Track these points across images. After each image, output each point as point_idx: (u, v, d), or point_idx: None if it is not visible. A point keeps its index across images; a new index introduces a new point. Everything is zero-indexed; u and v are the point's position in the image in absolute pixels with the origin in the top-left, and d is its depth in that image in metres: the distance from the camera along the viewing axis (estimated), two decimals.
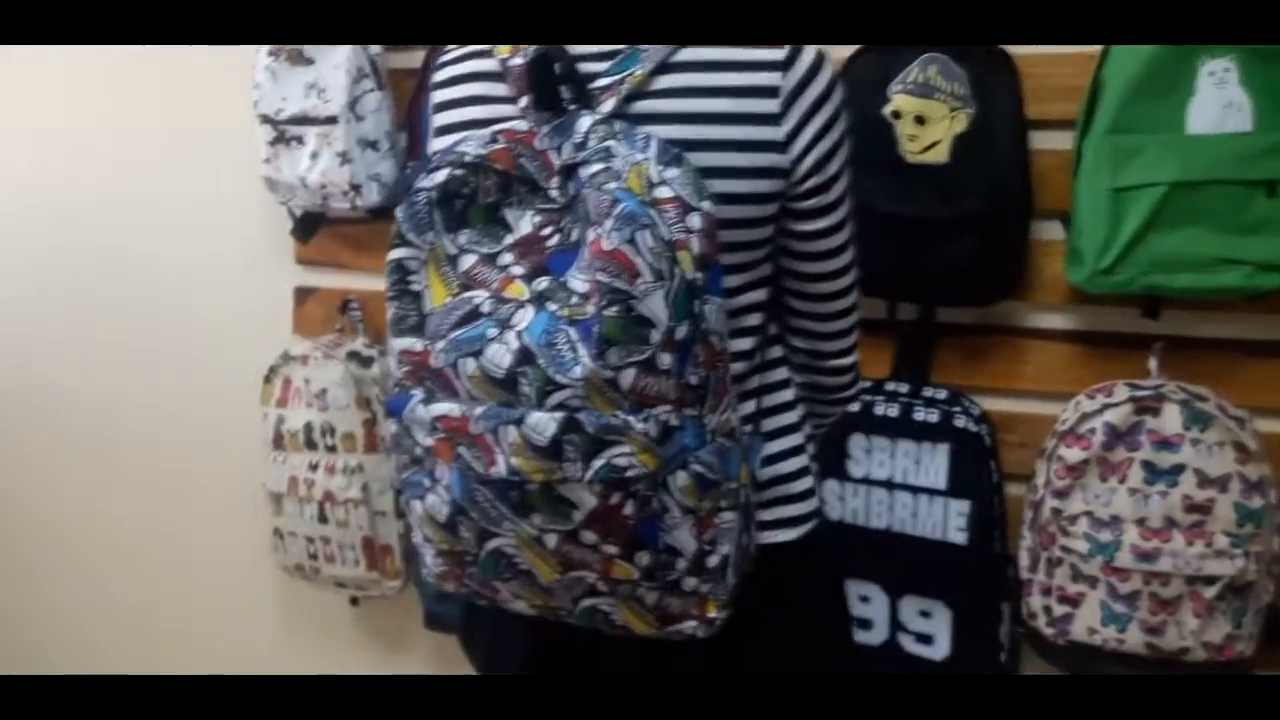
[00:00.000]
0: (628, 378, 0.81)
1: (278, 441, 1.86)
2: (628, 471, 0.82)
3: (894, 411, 1.56)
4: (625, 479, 0.82)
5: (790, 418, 1.04)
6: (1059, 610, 1.48)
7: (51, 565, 2.32)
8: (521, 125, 0.90)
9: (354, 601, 2.00)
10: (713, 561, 0.88)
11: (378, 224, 1.88)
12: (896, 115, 1.46)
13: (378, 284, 1.93)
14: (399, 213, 0.90)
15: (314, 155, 1.75)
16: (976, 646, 1.58)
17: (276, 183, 1.80)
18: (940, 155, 1.45)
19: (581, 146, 0.87)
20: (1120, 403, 1.42)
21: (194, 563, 2.19)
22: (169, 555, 2.21)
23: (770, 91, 0.90)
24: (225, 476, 2.11)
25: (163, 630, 2.24)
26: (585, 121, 0.88)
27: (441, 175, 0.89)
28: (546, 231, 0.88)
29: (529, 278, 0.87)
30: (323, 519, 1.84)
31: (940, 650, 1.58)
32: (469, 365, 0.85)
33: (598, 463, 0.82)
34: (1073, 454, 1.45)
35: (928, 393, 1.57)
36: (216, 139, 2.01)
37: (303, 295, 1.99)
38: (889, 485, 1.57)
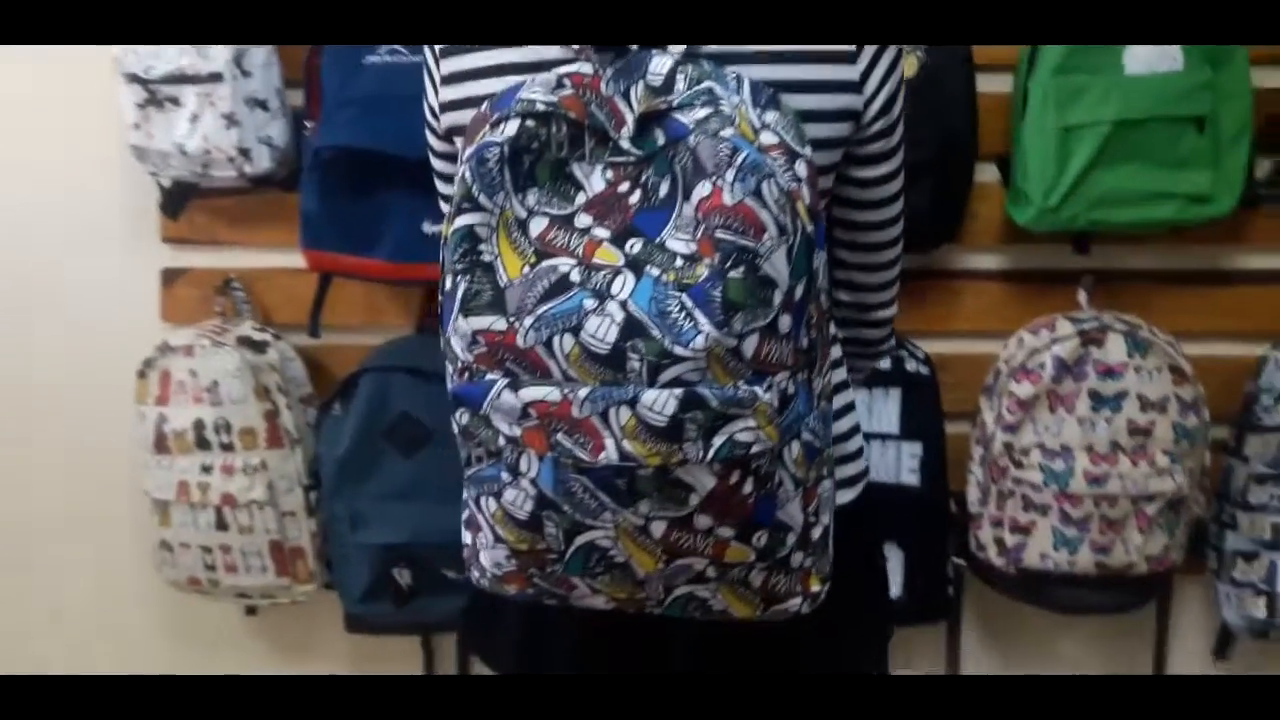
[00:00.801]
0: (751, 345, 0.74)
1: (160, 444, 1.65)
2: (752, 447, 0.75)
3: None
4: (748, 455, 0.75)
5: (841, 374, 1.00)
6: (1011, 540, 1.53)
7: None
8: (586, 68, 0.80)
9: (251, 611, 1.81)
10: (816, 534, 0.83)
11: (258, 194, 1.70)
12: None
13: (260, 260, 1.75)
14: (466, 172, 0.78)
15: (194, 118, 1.55)
16: (927, 584, 1.62)
17: (147, 151, 1.59)
18: None
19: (666, 89, 0.78)
20: (1067, 336, 1.48)
21: (64, 582, 1.91)
22: (39, 574, 1.92)
23: None
24: (89, 486, 1.86)
25: (32, 657, 1.93)
26: (662, 61, 0.79)
27: (512, 127, 0.77)
28: (624, 188, 0.79)
29: (617, 240, 0.77)
30: (221, 525, 1.65)
31: (893, 591, 1.61)
32: (566, 342, 0.75)
33: (718, 440, 0.74)
34: (1024, 389, 1.49)
35: None
36: (68, 104, 1.74)
37: (171, 277, 1.78)
38: None
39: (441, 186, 1.03)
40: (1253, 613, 1.52)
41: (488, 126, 0.78)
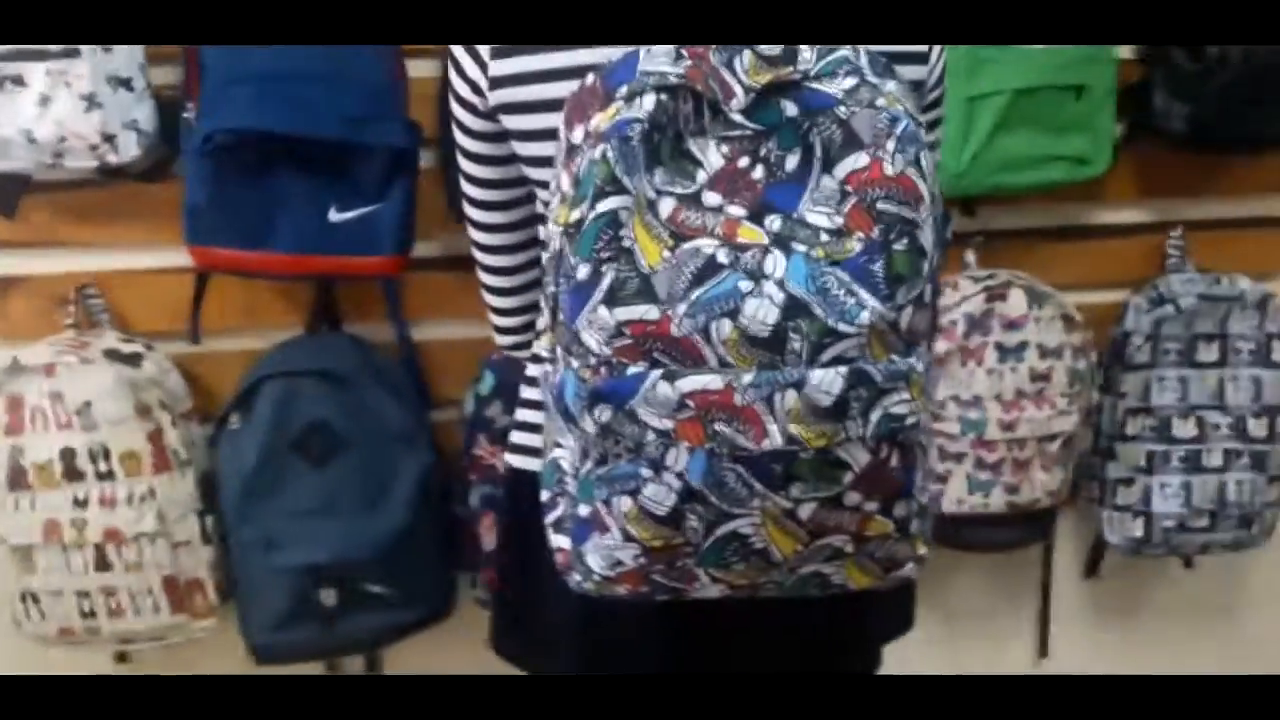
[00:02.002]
0: (907, 317, 0.74)
1: (16, 481, 1.43)
2: (907, 419, 0.75)
3: None
4: (902, 428, 0.75)
5: None
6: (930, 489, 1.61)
7: None
8: None
9: (121, 658, 1.61)
10: (926, 497, 0.85)
11: (108, 187, 1.49)
12: None
13: (116, 262, 1.55)
14: (606, 153, 0.72)
15: (44, 100, 1.34)
16: None
17: None
18: None
19: (788, 60, 0.75)
20: (974, 294, 1.57)
21: None
22: None
23: None
24: None
25: None
26: None
27: (649, 102, 0.73)
28: (744, 162, 0.76)
29: (754, 217, 0.75)
30: (103, 565, 1.45)
31: None
32: (724, 327, 0.72)
33: (875, 415, 0.74)
34: (939, 346, 1.57)
35: None
36: None
37: (2, 288, 1.53)
38: None
39: (475, 169, 0.94)
40: (1132, 533, 1.68)
41: (620, 102, 0.73)
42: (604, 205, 0.72)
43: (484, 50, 0.85)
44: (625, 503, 0.76)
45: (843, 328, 0.72)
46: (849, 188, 0.74)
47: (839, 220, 0.74)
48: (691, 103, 0.75)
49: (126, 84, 1.38)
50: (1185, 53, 1.55)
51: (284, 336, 1.56)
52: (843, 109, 0.74)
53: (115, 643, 1.51)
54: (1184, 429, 1.65)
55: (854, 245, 0.73)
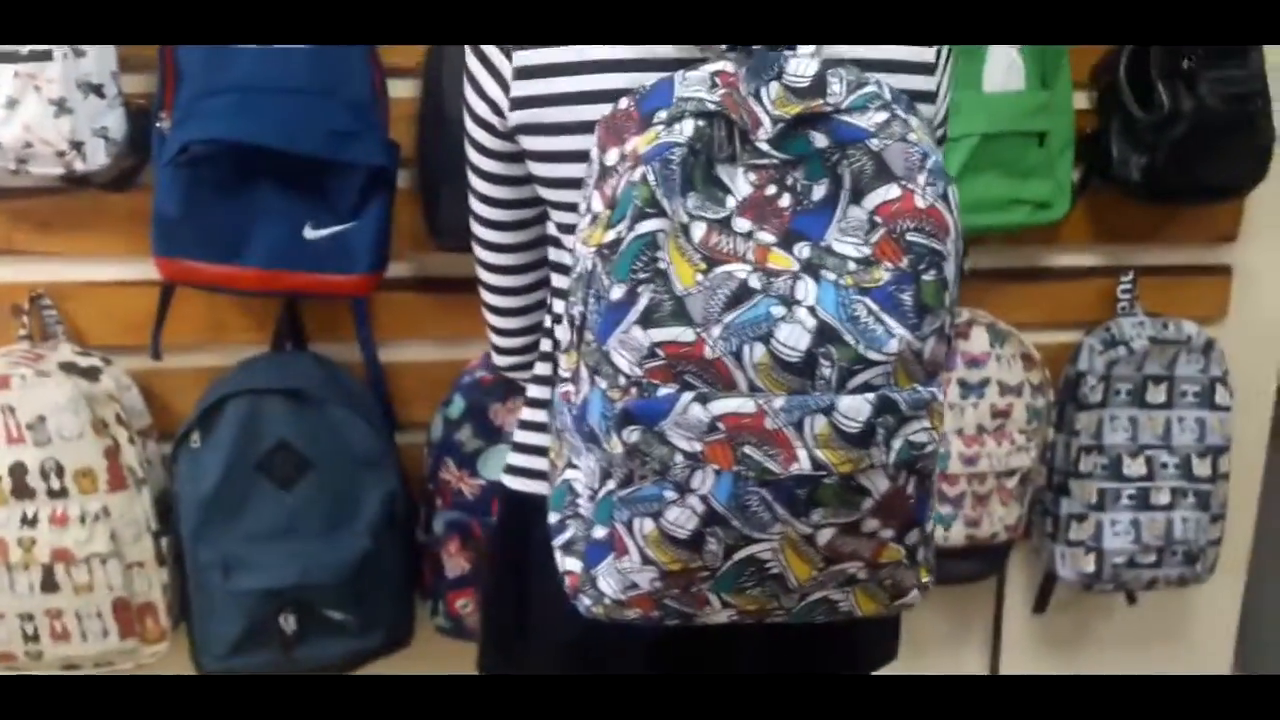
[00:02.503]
0: (930, 346, 0.76)
1: None
2: (926, 447, 0.76)
3: None
4: (922, 455, 0.77)
5: None
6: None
7: None
8: (729, 67, 0.77)
9: None
10: (929, 527, 0.86)
11: (69, 195, 1.45)
12: None
13: (73, 272, 1.50)
14: (646, 175, 0.72)
15: (11, 103, 1.29)
16: None
17: None
18: None
19: (817, 92, 0.77)
20: None
21: None
22: None
23: None
24: None
25: None
26: (806, 63, 0.77)
27: (689, 127, 0.74)
28: (771, 190, 0.77)
29: (784, 244, 0.76)
30: (50, 587, 1.39)
31: None
32: (756, 351, 0.73)
33: (897, 443, 0.75)
34: None
35: None
36: None
37: None
38: None
39: (488, 188, 0.94)
40: (1084, 568, 1.72)
41: (660, 126, 0.73)
42: (643, 227, 0.72)
43: (506, 71, 0.85)
44: (647, 525, 0.76)
45: (872, 355, 0.74)
46: (879, 218, 0.75)
47: (866, 250, 0.75)
48: (725, 130, 0.76)
49: (98, 90, 1.35)
50: (1139, 104, 1.61)
51: (247, 354, 1.53)
52: (875, 141, 0.76)
53: (58, 668, 1.45)
54: (1134, 467, 1.70)
55: (882, 275, 0.75)
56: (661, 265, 0.73)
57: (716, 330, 0.73)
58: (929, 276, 0.75)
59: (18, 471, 1.37)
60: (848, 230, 0.76)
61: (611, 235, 0.73)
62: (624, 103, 0.77)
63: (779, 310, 0.73)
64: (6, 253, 1.47)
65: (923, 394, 0.76)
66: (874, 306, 0.74)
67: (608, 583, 0.79)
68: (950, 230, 0.76)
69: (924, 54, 0.88)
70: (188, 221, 1.34)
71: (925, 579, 0.86)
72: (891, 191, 0.75)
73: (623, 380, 0.74)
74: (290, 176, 1.36)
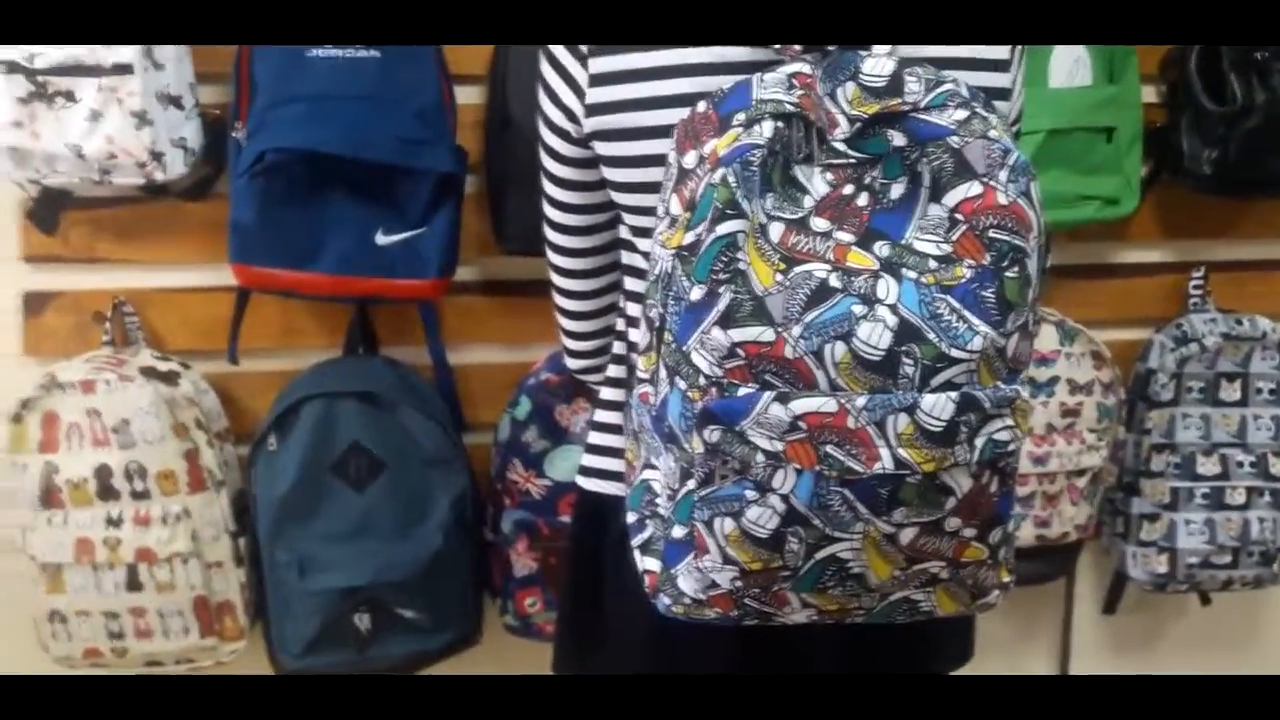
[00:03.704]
0: (1013, 344, 0.76)
1: (49, 498, 1.41)
2: (1010, 445, 0.76)
3: None
4: (1005, 454, 0.76)
5: None
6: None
7: None
8: (806, 68, 0.78)
9: None
10: (1013, 525, 0.86)
11: (149, 204, 1.49)
12: None
13: (152, 279, 1.54)
14: (727, 176, 0.73)
15: (95, 115, 1.33)
16: None
17: (29, 154, 1.34)
18: None
19: (894, 91, 0.77)
20: None
21: None
22: None
23: None
24: None
25: None
26: (882, 63, 0.77)
27: (768, 129, 0.75)
28: (848, 190, 0.78)
29: (863, 244, 0.76)
30: (134, 586, 1.43)
31: None
32: (837, 350, 0.73)
33: (980, 441, 0.75)
34: None
35: None
36: None
37: (37, 304, 1.51)
38: None
39: (562, 194, 0.95)
40: (1156, 569, 1.70)
41: (739, 128, 0.74)
42: (723, 228, 0.73)
43: (582, 78, 0.86)
44: (728, 524, 0.76)
45: (955, 353, 0.74)
46: (959, 216, 0.75)
47: (947, 248, 0.75)
48: (803, 131, 0.77)
49: (176, 102, 1.39)
50: (1210, 97, 1.59)
51: (320, 358, 1.56)
52: (956, 139, 0.76)
53: (142, 665, 1.49)
54: (1207, 466, 1.67)
55: (964, 272, 0.75)
56: (741, 266, 0.73)
57: (797, 329, 0.73)
58: (1012, 273, 0.75)
59: (103, 473, 1.41)
60: (928, 228, 0.76)
61: (691, 237, 0.74)
62: (702, 106, 0.78)
63: (860, 309, 0.73)
64: (90, 261, 1.51)
65: (1006, 391, 0.75)
66: (956, 304, 0.74)
67: (687, 582, 0.80)
68: (1033, 226, 0.76)
69: (998, 50, 0.88)
70: (263, 229, 1.38)
71: (1006, 579, 0.86)
72: (973, 189, 0.75)
73: (702, 380, 0.74)
74: (361, 184, 1.39)
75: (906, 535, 0.77)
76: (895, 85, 0.77)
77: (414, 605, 1.49)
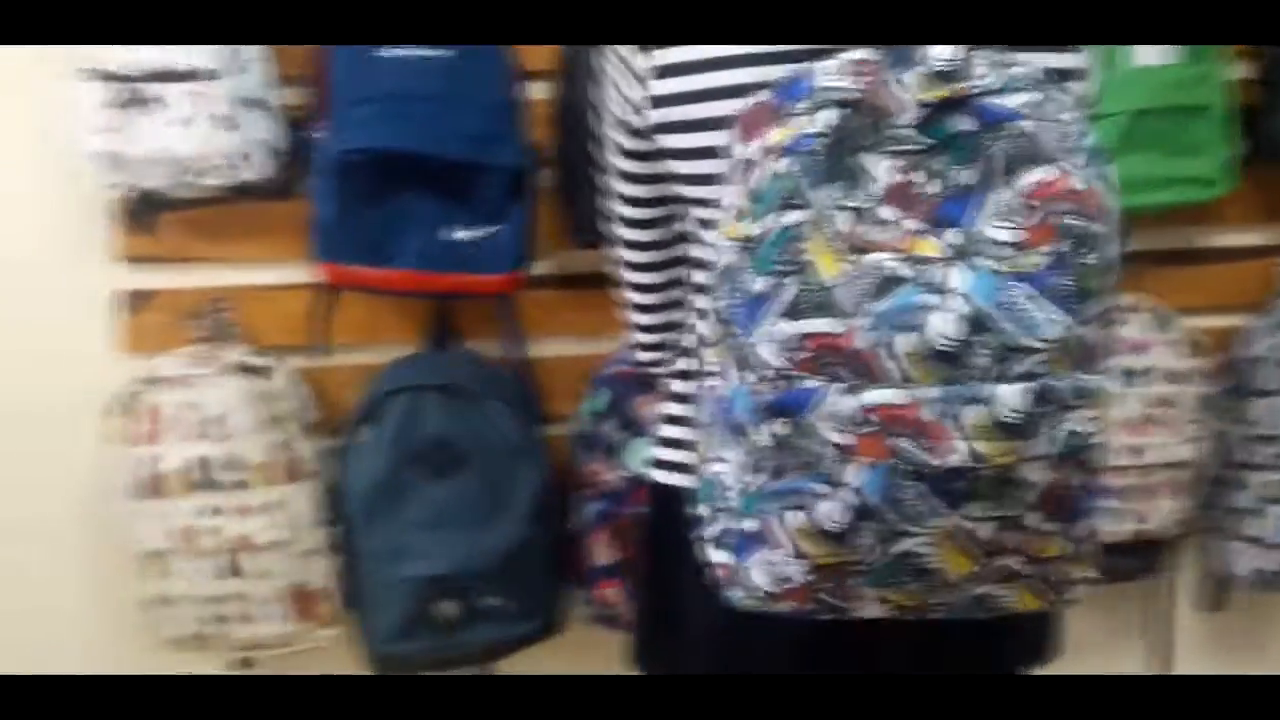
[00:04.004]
0: (1093, 332, 0.74)
1: (151, 487, 1.47)
2: (1091, 437, 0.74)
3: None
4: (1087, 446, 0.74)
5: None
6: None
7: None
8: (869, 54, 0.76)
9: (246, 664, 1.65)
10: (1094, 520, 0.83)
11: (238, 204, 1.54)
12: None
13: (240, 278, 1.59)
14: (793, 166, 0.73)
15: (186, 121, 1.39)
16: None
17: (123, 158, 1.40)
18: None
19: (959, 76, 0.75)
20: None
21: (13, 646, 1.67)
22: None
23: None
24: (40, 540, 1.63)
25: None
26: (947, 48, 0.76)
27: (830, 116, 0.74)
28: (916, 177, 0.76)
29: (931, 231, 0.75)
30: (235, 572, 1.49)
31: None
32: (907, 340, 0.72)
33: (1060, 433, 0.73)
34: None
35: None
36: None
37: (137, 302, 1.58)
38: None
39: (627, 188, 0.96)
40: (1263, 565, 1.63)
41: (802, 116, 0.73)
42: (786, 218, 0.73)
43: (644, 71, 0.86)
44: (798, 518, 0.76)
45: (1029, 342, 0.72)
46: (1034, 201, 0.73)
47: (1022, 234, 0.73)
48: (868, 118, 0.76)
49: (260, 104, 1.43)
50: None
51: (403, 352, 1.59)
52: (1028, 123, 0.74)
53: (241, 649, 1.55)
54: None
55: (1038, 259, 0.72)
56: (806, 256, 0.73)
57: (864, 321, 0.72)
58: (1089, 260, 0.72)
59: (204, 465, 1.46)
60: (1000, 214, 0.74)
61: (755, 228, 0.74)
62: (764, 95, 0.77)
63: (930, 298, 0.72)
64: (184, 260, 1.57)
65: (1087, 382, 0.73)
66: (1031, 291, 0.72)
67: (760, 575, 0.79)
68: (1109, 210, 0.74)
69: None
70: (343, 227, 1.42)
71: (1090, 572, 0.84)
72: (1046, 173, 0.73)
73: (769, 373, 0.74)
74: (436, 181, 1.42)
75: (984, 530, 0.75)
76: (964, 68, 0.76)
77: (497, 593, 1.51)
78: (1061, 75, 0.84)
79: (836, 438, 0.73)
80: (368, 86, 1.40)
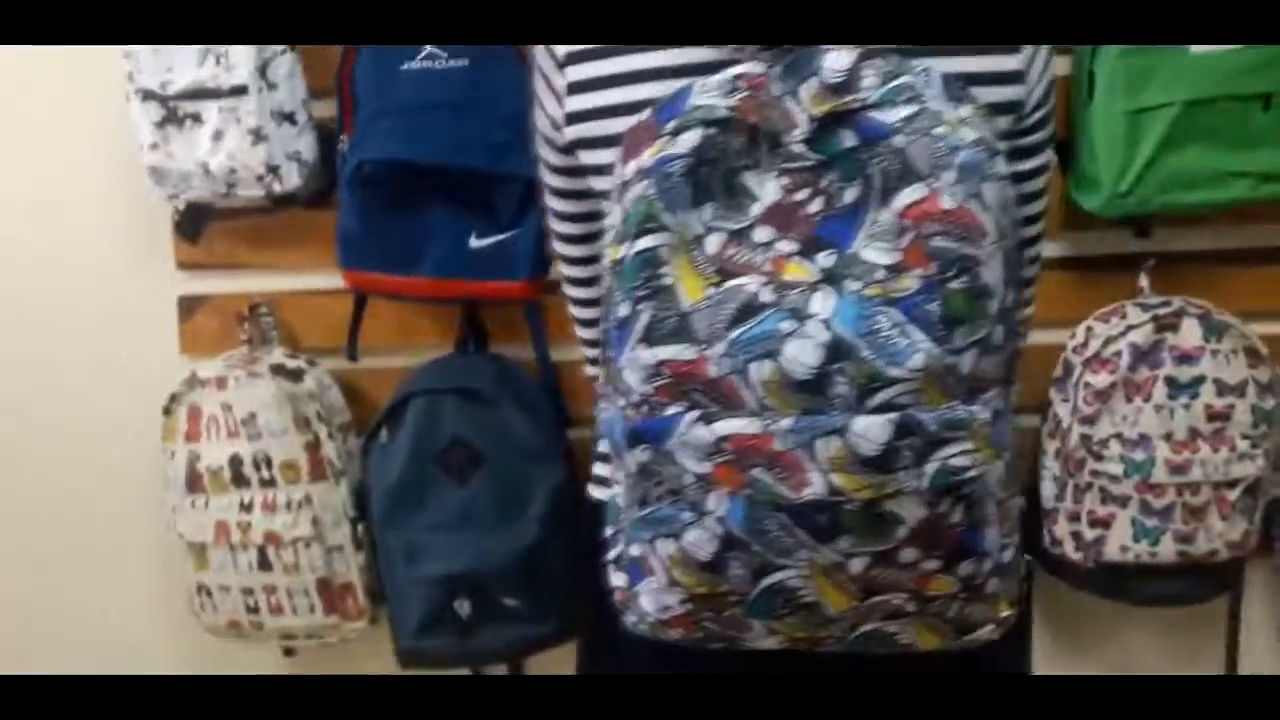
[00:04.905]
0: (969, 360, 0.69)
1: (194, 483, 1.56)
2: (968, 472, 0.70)
3: None
4: (962, 481, 0.70)
5: None
6: (1089, 534, 1.50)
7: None
8: (757, 68, 0.74)
9: (289, 653, 1.72)
10: (1008, 555, 0.78)
11: (279, 213, 1.61)
12: None
13: (283, 283, 1.66)
14: (647, 189, 0.72)
15: (217, 135, 1.46)
16: None
17: (166, 172, 1.49)
18: None
19: (849, 88, 0.72)
20: (1141, 323, 1.45)
21: (83, 628, 1.81)
22: (54, 621, 1.81)
23: None
24: (106, 532, 1.75)
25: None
26: (841, 57, 0.73)
27: (694, 137, 0.72)
28: (801, 195, 0.73)
29: (806, 253, 0.72)
30: (265, 565, 1.56)
31: None
32: (763, 369, 0.69)
33: (931, 467, 0.69)
34: (1100, 379, 1.46)
35: None
36: (56, 125, 1.64)
37: (190, 306, 1.68)
38: None
39: (557, 203, 0.96)
40: None
41: (666, 137, 0.72)
42: (643, 243, 0.71)
43: (560, 86, 0.86)
44: (669, 546, 0.75)
45: (892, 371, 0.68)
46: (906, 222, 0.70)
47: (897, 256, 0.70)
48: (744, 135, 0.73)
49: (290, 118, 1.49)
50: None
51: (434, 355, 1.63)
52: (900, 138, 0.70)
53: (278, 638, 1.62)
54: None
55: (910, 283, 0.69)
56: (666, 281, 0.71)
57: (720, 347, 0.70)
58: (957, 285, 0.68)
59: (236, 463, 1.54)
60: (877, 235, 0.71)
61: (621, 251, 0.73)
62: (646, 114, 0.76)
63: (788, 325, 0.69)
64: (231, 267, 1.65)
65: (959, 413, 0.69)
66: (899, 318, 0.69)
67: (648, 601, 0.79)
68: (987, 231, 0.69)
69: (1009, 62, 0.80)
70: (366, 235, 1.46)
71: (1004, 612, 0.80)
72: (917, 192, 0.70)
73: (635, 398, 0.73)
74: (455, 190, 1.44)
75: (857, 565, 0.72)
76: (852, 80, 0.73)
77: (513, 594, 1.54)
78: (997, 109, 0.79)
79: (695, 466, 0.71)
80: (388, 100, 1.44)
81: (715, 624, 0.78)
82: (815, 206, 0.73)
